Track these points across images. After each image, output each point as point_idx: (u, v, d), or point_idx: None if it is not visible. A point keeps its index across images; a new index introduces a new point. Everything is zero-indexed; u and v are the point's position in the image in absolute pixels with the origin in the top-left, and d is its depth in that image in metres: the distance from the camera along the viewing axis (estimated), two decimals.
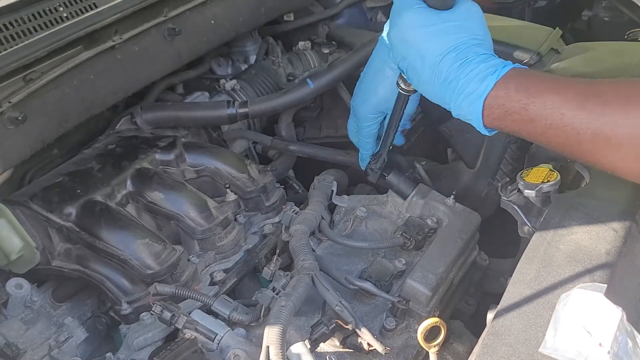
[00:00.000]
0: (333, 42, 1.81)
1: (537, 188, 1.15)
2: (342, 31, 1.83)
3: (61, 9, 1.15)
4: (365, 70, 1.33)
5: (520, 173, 1.20)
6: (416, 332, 1.00)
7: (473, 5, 1.04)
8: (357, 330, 1.06)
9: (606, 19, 1.89)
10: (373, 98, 1.29)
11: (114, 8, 1.22)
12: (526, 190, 1.17)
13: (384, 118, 1.32)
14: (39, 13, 1.11)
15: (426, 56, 1.01)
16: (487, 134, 1.02)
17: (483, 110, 0.97)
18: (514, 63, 0.99)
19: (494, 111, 0.97)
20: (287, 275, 1.19)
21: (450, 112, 1.04)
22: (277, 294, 1.10)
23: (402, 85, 1.16)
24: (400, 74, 1.15)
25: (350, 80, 1.55)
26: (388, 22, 1.12)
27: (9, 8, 1.08)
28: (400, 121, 1.27)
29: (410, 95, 1.19)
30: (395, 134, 1.29)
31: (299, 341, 1.02)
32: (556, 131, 0.94)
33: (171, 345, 1.03)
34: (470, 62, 0.98)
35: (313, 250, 1.21)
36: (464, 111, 1.00)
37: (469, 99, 0.98)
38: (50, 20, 1.13)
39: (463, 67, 0.98)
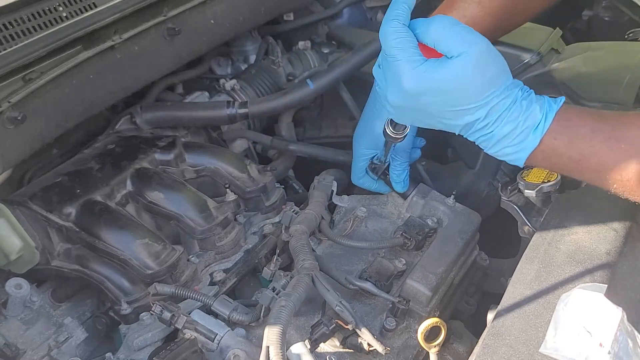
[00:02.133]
0: (333, 42, 1.81)
1: (537, 188, 1.15)
2: (342, 31, 1.83)
3: (60, 8, 1.15)
4: (364, 109, 1.38)
5: (520, 173, 1.20)
6: (416, 333, 1.00)
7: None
8: (357, 331, 1.06)
9: (606, 19, 1.88)
10: (370, 134, 1.34)
11: (113, 8, 1.22)
12: (526, 190, 1.17)
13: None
14: (38, 13, 1.11)
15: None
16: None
17: (527, 158, 0.96)
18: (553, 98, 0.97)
19: (538, 160, 0.97)
20: (287, 275, 1.19)
21: None
22: (277, 294, 1.10)
23: (389, 133, 1.14)
24: (388, 121, 1.14)
25: (351, 80, 1.56)
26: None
27: (8, 8, 1.07)
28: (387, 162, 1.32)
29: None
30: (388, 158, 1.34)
31: (299, 341, 1.02)
32: (614, 183, 0.94)
33: (171, 346, 1.02)
34: (506, 117, 0.94)
35: (313, 250, 1.20)
36: (504, 158, 0.98)
37: (510, 154, 0.97)
38: (49, 20, 1.13)
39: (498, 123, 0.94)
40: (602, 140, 0.93)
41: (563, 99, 0.97)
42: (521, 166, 0.98)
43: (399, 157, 1.34)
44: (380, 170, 1.36)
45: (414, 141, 1.38)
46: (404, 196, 1.38)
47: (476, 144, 0.99)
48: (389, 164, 1.36)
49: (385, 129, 1.15)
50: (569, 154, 0.94)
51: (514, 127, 0.94)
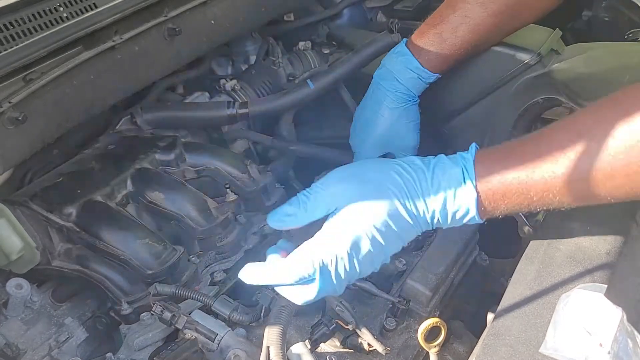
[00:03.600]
0: (333, 43, 1.81)
1: None
2: (342, 31, 1.83)
3: (61, 9, 1.15)
4: (359, 110, 1.39)
5: None
6: (416, 333, 1.00)
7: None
8: (358, 331, 1.06)
9: (606, 19, 1.88)
10: (371, 138, 1.35)
11: (114, 8, 1.22)
12: None
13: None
14: (39, 13, 1.11)
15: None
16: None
17: (478, 211, 0.91)
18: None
19: (486, 209, 0.91)
20: None
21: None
22: (277, 294, 1.10)
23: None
24: None
25: (351, 80, 1.56)
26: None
27: (9, 8, 1.07)
28: None
29: None
30: None
31: (299, 341, 1.02)
32: (568, 195, 0.88)
33: (171, 346, 1.03)
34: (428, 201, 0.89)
35: None
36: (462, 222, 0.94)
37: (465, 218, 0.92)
38: (50, 21, 1.13)
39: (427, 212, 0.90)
40: (526, 159, 0.88)
41: (474, 145, 0.94)
42: (481, 221, 0.93)
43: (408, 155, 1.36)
44: None
45: None
46: None
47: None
48: None
49: None
50: (509, 180, 0.87)
51: (443, 200, 0.90)
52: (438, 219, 0.91)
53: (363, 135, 1.38)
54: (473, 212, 0.90)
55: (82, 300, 1.21)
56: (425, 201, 0.90)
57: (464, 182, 0.89)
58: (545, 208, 0.92)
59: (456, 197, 0.89)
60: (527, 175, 0.87)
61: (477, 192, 0.89)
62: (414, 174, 0.91)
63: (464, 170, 0.91)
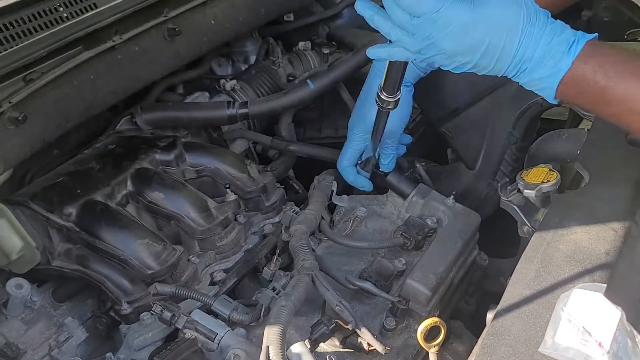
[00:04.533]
0: (333, 43, 1.81)
1: (536, 188, 1.16)
2: (342, 31, 1.83)
3: (61, 9, 1.15)
4: (359, 98, 1.39)
5: (520, 173, 1.20)
6: (416, 332, 1.00)
7: None
8: (357, 330, 1.06)
9: (606, 19, 1.88)
10: (363, 121, 1.35)
11: (114, 8, 1.22)
12: (526, 190, 1.17)
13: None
14: (39, 13, 1.12)
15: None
16: (553, 102, 0.98)
17: (557, 86, 0.93)
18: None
19: (568, 89, 0.93)
20: (287, 275, 1.19)
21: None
22: (277, 294, 1.10)
23: (384, 98, 1.09)
24: (379, 89, 1.08)
25: (351, 80, 1.56)
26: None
27: (9, 8, 1.08)
28: (380, 137, 1.27)
29: (389, 111, 1.13)
30: (378, 144, 1.32)
31: (299, 341, 1.03)
32: (636, 116, 0.92)
33: (171, 345, 1.03)
34: (539, 39, 0.91)
35: (313, 250, 1.21)
36: (535, 87, 0.95)
37: (542, 80, 0.93)
38: (50, 21, 1.13)
39: (532, 46, 0.91)
40: (633, 70, 0.92)
41: (596, 35, 0.96)
42: (551, 99, 0.95)
43: (389, 140, 1.36)
44: (370, 166, 1.37)
45: (400, 138, 1.40)
46: (403, 196, 1.38)
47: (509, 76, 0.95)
48: (377, 160, 1.37)
49: (378, 95, 1.10)
50: (596, 79, 0.91)
51: (548, 49, 0.92)
52: (524, 68, 0.94)
53: (356, 118, 1.39)
54: (554, 83, 0.93)
55: (82, 300, 1.21)
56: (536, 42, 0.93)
57: (567, 52, 0.92)
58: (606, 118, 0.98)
59: (552, 58, 0.92)
60: (617, 86, 0.92)
61: (570, 67, 0.92)
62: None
63: (575, 41, 0.93)
